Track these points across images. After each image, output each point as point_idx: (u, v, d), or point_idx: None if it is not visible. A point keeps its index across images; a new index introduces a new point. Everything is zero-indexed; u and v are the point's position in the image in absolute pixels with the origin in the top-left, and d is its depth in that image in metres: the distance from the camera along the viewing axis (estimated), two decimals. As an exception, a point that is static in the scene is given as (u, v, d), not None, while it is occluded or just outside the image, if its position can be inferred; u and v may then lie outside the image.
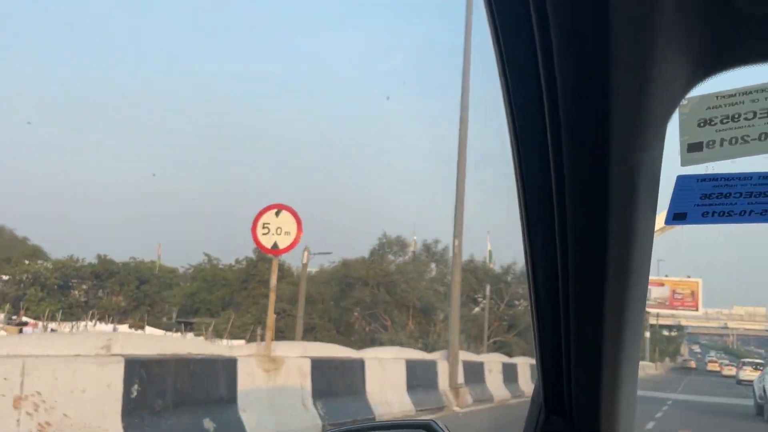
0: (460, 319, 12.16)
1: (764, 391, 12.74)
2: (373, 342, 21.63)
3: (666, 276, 49.56)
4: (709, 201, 0.62)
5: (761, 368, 18.05)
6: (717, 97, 0.59)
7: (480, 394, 11.87)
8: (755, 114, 0.56)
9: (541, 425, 0.81)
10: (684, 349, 67.74)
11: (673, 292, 49.26)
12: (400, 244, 29.40)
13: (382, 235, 28.79)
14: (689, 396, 17.75)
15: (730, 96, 0.58)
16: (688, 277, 50.85)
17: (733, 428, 12.02)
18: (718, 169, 0.61)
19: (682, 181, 0.62)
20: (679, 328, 61.21)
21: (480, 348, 21.26)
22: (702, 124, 0.58)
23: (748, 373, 25.60)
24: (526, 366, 14.94)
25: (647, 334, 41.60)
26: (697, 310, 50.80)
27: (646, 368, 36.04)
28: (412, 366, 9.85)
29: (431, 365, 10.77)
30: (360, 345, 16.16)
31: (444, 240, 27.65)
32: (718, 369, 45.86)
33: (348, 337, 24.12)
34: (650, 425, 10.29)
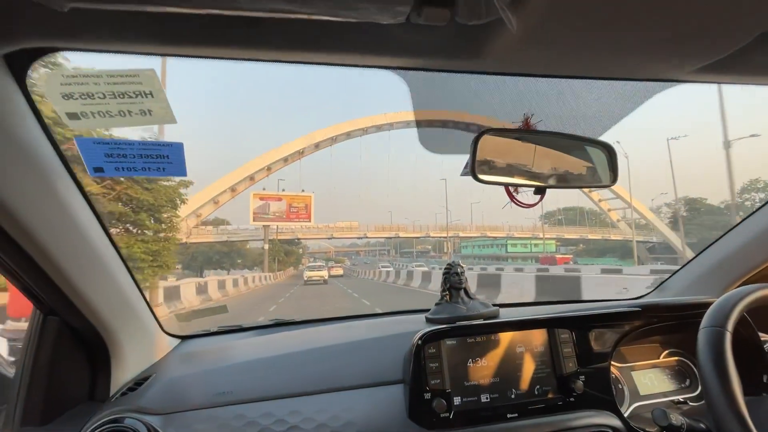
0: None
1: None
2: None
3: (283, 191, 54.12)
4: (115, 159, 0.85)
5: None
6: (63, 75, 0.71)
7: None
8: (105, 95, 0.73)
9: (40, 326, 1.07)
10: (305, 260, 79.75)
11: (290, 206, 52.79)
12: None
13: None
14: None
15: (74, 77, 0.71)
16: (303, 191, 54.87)
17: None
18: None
19: (81, 143, 0.82)
20: (296, 242, 67.00)
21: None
22: (66, 97, 0.71)
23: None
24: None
25: (266, 247, 46.84)
26: (310, 221, 55.25)
27: (267, 279, 37.43)
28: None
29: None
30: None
31: None
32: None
33: None
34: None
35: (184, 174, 0.89)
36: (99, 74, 0.73)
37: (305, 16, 0.58)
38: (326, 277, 28.24)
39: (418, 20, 0.60)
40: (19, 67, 0.73)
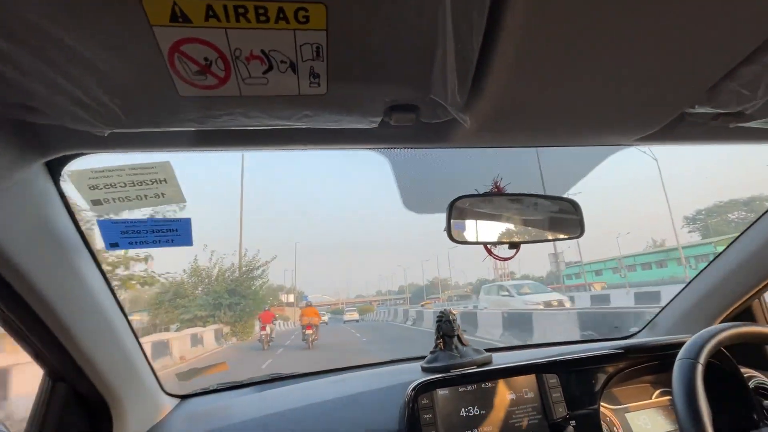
0: None
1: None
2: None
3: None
4: (129, 235, 0.95)
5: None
6: (91, 171, 0.83)
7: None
8: (126, 184, 0.87)
9: (48, 393, 1.08)
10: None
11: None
12: None
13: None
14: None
15: (101, 171, 0.84)
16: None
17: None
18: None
19: (101, 224, 0.92)
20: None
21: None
22: (92, 188, 0.84)
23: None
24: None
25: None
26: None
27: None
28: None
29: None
30: None
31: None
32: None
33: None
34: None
35: (191, 244, 1.00)
36: (122, 168, 0.85)
37: (302, 126, 0.72)
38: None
39: (390, 122, 0.74)
40: (57, 170, 0.85)
